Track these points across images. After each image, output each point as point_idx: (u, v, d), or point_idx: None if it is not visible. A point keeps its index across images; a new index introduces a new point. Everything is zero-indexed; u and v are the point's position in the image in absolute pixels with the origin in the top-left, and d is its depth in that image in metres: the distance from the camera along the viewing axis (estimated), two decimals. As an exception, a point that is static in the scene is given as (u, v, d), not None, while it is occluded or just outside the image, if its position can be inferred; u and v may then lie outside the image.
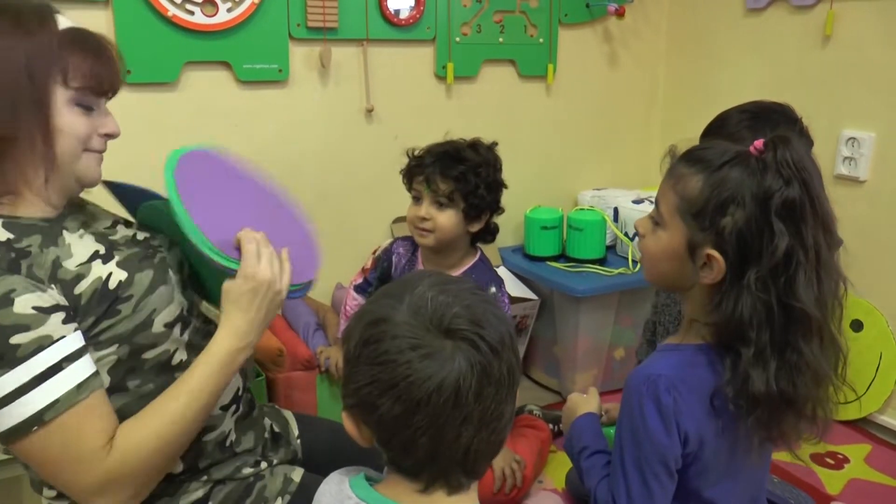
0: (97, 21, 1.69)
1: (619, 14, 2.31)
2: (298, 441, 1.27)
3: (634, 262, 2.15)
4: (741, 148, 0.94)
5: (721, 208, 0.91)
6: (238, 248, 0.97)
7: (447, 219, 1.54)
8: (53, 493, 0.98)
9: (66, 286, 0.90)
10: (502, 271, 2.15)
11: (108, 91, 0.97)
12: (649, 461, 0.98)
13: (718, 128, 1.39)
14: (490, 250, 1.76)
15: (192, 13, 1.78)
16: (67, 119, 0.92)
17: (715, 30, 2.35)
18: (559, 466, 1.81)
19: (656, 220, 1.00)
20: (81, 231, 0.98)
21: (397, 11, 2.03)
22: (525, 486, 1.67)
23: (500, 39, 2.21)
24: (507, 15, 2.21)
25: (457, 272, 1.61)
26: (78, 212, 1.02)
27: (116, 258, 0.97)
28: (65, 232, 0.95)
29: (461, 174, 1.51)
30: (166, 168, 0.98)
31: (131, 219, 1.14)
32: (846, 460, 1.88)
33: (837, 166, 2.02)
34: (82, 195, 1.04)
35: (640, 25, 2.47)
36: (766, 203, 0.89)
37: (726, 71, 2.32)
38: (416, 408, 0.66)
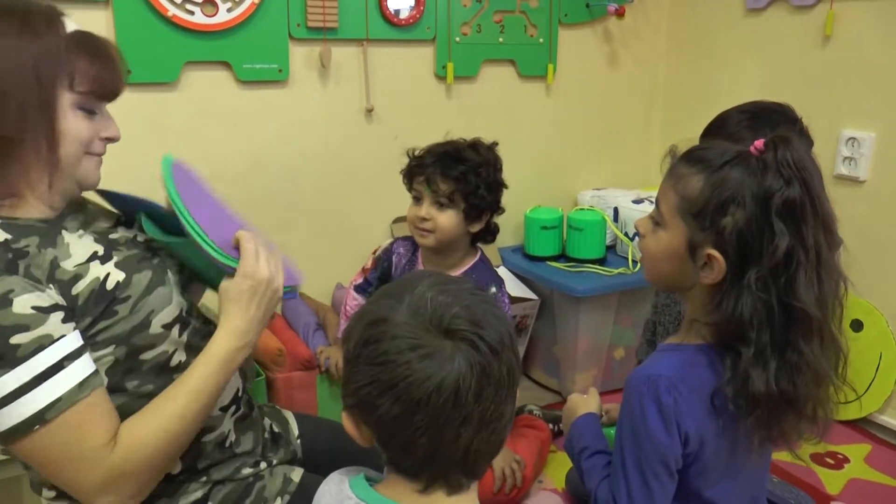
0: (97, 21, 1.69)
1: (619, 14, 2.31)
2: (298, 441, 1.27)
3: (634, 262, 2.14)
4: (741, 148, 0.94)
5: (721, 208, 0.91)
6: (236, 248, 0.98)
7: (447, 219, 1.54)
8: (53, 494, 0.98)
9: (64, 286, 0.90)
10: (502, 271, 2.14)
11: (112, 96, 0.97)
12: (650, 461, 0.97)
13: (718, 128, 1.40)
14: (490, 250, 1.76)
15: (192, 13, 1.78)
16: (71, 123, 0.92)
17: (715, 30, 2.35)
18: (559, 466, 1.81)
19: (656, 220, 1.00)
20: (81, 231, 0.98)
21: (397, 11, 2.03)
22: (525, 486, 1.67)
23: (500, 39, 2.21)
24: (507, 15, 2.21)
25: (457, 272, 1.61)
26: (78, 211, 1.02)
27: (115, 259, 0.97)
28: (64, 232, 0.95)
29: (461, 174, 1.51)
30: (164, 171, 0.99)
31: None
32: (846, 460, 1.88)
33: (837, 166, 2.02)
34: (84, 195, 1.04)
35: (640, 25, 2.47)
36: (767, 203, 0.89)
37: (726, 71, 2.32)
38: (415, 408, 0.66)
